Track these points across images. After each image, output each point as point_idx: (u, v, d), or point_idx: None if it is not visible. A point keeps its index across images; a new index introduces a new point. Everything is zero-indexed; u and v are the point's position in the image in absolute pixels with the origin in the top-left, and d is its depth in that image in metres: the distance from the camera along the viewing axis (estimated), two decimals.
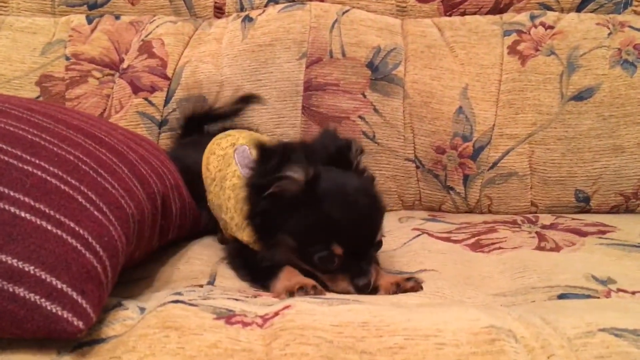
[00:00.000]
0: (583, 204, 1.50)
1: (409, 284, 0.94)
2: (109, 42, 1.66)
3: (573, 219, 1.41)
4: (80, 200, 0.77)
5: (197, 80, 1.59)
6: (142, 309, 0.76)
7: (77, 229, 0.71)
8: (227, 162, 1.19)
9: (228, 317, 0.70)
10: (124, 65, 1.63)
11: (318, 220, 0.93)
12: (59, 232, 0.69)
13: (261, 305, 0.78)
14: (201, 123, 1.50)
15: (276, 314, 0.72)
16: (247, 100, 1.51)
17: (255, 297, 0.89)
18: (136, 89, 1.59)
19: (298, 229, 0.95)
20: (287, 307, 0.73)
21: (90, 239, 0.71)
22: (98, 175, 0.86)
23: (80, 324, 0.62)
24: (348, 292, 0.93)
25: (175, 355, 0.62)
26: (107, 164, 0.92)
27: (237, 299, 0.82)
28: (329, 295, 0.88)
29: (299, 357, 0.62)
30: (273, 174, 0.92)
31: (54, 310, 0.62)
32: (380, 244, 1.00)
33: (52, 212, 0.71)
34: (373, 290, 0.95)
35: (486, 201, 1.52)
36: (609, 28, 1.57)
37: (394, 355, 0.62)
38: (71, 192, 0.77)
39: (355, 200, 0.95)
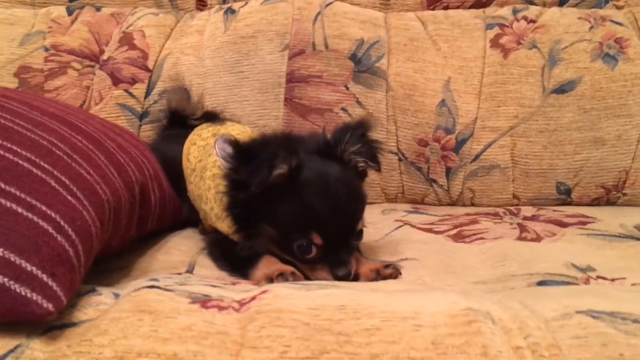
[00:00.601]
0: (564, 196, 1.50)
1: (387, 271, 0.94)
2: (89, 34, 1.64)
3: (554, 210, 1.42)
4: (52, 184, 0.75)
5: (178, 72, 1.57)
6: (117, 295, 0.74)
7: (48, 212, 0.69)
8: (207, 152, 1.18)
9: (204, 301, 0.69)
10: (105, 56, 1.61)
11: (298, 210, 0.93)
12: (30, 215, 0.67)
13: (239, 292, 0.77)
14: (184, 117, 1.49)
15: (253, 298, 0.71)
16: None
17: (233, 284, 0.88)
18: (116, 81, 1.57)
19: (278, 218, 0.94)
20: (264, 292, 0.72)
21: (62, 223, 0.70)
22: (72, 160, 0.85)
23: (50, 306, 0.61)
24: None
25: (148, 338, 0.61)
26: (82, 150, 0.90)
27: (214, 286, 0.81)
28: (308, 281, 0.87)
29: (274, 339, 0.61)
30: (256, 172, 0.90)
31: (22, 293, 0.60)
32: (360, 234, 0.99)
33: (22, 195, 0.70)
34: (354, 278, 0.95)
35: (469, 194, 1.52)
36: (590, 22, 1.58)
37: (371, 337, 0.61)
38: (43, 176, 0.75)
39: (336, 190, 0.94)
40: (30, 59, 1.60)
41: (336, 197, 0.94)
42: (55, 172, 0.78)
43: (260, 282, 0.89)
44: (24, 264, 0.62)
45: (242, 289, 0.80)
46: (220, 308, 0.68)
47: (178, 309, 0.66)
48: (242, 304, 0.70)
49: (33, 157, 0.78)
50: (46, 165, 0.78)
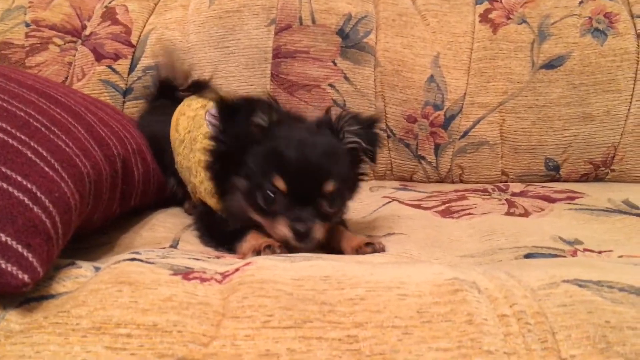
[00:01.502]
0: (553, 172, 1.50)
1: (368, 249, 0.92)
2: (71, 9, 1.61)
3: (543, 186, 1.41)
4: (29, 155, 0.73)
5: (163, 47, 1.54)
6: (97, 268, 0.73)
7: (24, 182, 0.67)
8: (197, 123, 1.16)
9: (186, 273, 0.68)
10: (87, 32, 1.58)
11: (265, 154, 0.91)
12: (4, 185, 0.65)
13: (223, 264, 0.75)
14: (173, 88, 1.46)
15: (236, 270, 0.69)
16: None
17: (218, 258, 0.87)
18: (99, 57, 1.54)
19: (247, 167, 0.93)
20: (248, 264, 0.71)
21: (38, 194, 0.68)
22: (51, 132, 0.82)
23: (26, 277, 0.59)
24: (287, 242, 0.89)
25: (127, 309, 0.59)
26: (61, 123, 0.88)
27: (197, 259, 0.80)
28: (293, 254, 0.86)
29: (256, 309, 0.60)
30: (236, 123, 0.91)
31: None
32: (335, 199, 0.93)
33: None
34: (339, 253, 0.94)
35: (457, 170, 1.51)
36: None
37: (354, 306, 0.60)
38: (20, 146, 0.73)
39: (309, 142, 0.93)
40: (10, 34, 1.57)
41: (306, 146, 0.92)
42: (32, 144, 0.76)
43: (247, 254, 0.87)
44: None
45: (226, 262, 0.79)
46: (203, 280, 0.67)
47: (159, 280, 0.65)
48: (225, 275, 0.69)
49: (9, 128, 0.76)
50: (22, 136, 0.76)
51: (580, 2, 1.55)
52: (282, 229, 0.89)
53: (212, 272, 0.70)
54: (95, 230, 1.01)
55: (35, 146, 0.76)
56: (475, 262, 0.92)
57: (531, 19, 1.54)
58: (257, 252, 0.86)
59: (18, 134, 0.76)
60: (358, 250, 0.93)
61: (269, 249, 0.86)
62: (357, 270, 0.69)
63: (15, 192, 0.66)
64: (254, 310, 0.60)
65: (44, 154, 0.77)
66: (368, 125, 1.00)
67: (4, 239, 0.60)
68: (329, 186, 0.91)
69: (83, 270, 0.71)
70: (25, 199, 0.66)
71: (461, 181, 1.52)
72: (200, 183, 1.07)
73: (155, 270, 0.68)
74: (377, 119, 1.03)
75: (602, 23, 1.52)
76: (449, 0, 1.60)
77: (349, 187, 1.00)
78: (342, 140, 0.97)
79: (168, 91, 1.41)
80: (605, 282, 0.65)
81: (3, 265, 0.58)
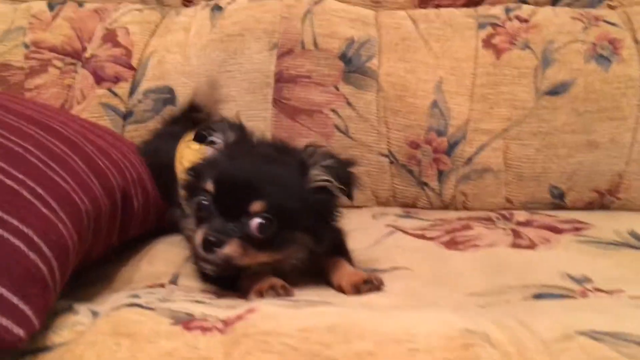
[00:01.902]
0: (558, 200, 1.48)
1: (366, 287, 0.89)
2: (72, 30, 1.59)
3: (548, 215, 1.39)
4: (26, 195, 0.71)
5: (163, 71, 1.53)
6: (95, 313, 0.71)
7: (20, 227, 0.65)
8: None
9: (186, 322, 0.66)
10: (87, 54, 1.56)
11: (208, 166, 0.93)
12: (0, 232, 0.63)
13: (224, 308, 0.73)
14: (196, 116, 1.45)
15: (239, 317, 0.67)
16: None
17: (219, 298, 0.85)
18: (99, 79, 1.52)
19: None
20: (251, 310, 0.69)
21: (35, 238, 0.66)
22: (48, 168, 0.80)
23: (21, 332, 0.57)
24: (198, 252, 0.87)
25: None
26: (59, 156, 0.86)
27: (199, 301, 0.78)
28: (300, 297, 0.84)
29: None
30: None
31: None
32: (264, 224, 0.85)
33: None
34: (340, 290, 0.92)
35: (461, 197, 1.49)
36: (584, 22, 1.55)
37: None
38: (16, 186, 0.71)
39: (252, 160, 0.92)
40: (9, 56, 1.56)
41: (247, 162, 0.91)
42: (28, 182, 0.74)
43: (250, 295, 0.85)
44: None
45: (227, 304, 0.77)
46: (204, 329, 0.64)
47: (159, 332, 0.62)
48: (227, 323, 0.67)
49: (6, 167, 0.74)
50: (20, 175, 0.74)
51: (585, 28, 1.54)
52: (198, 236, 0.86)
53: (213, 319, 0.68)
54: (93, 263, 0.99)
55: (33, 185, 0.74)
56: (483, 301, 0.90)
57: (535, 44, 1.52)
58: (260, 293, 0.84)
59: (15, 172, 0.74)
60: (356, 288, 0.91)
61: (272, 291, 0.83)
62: (364, 318, 0.67)
63: (11, 239, 0.63)
64: None
65: (41, 192, 0.75)
66: (343, 164, 0.94)
67: None
68: (256, 206, 0.85)
69: (80, 316, 0.69)
70: (22, 245, 0.64)
71: (465, 208, 1.50)
72: None
73: (156, 318, 0.66)
74: (353, 161, 0.98)
75: (607, 49, 1.50)
76: (452, 24, 1.58)
77: (302, 226, 0.91)
78: (306, 176, 0.91)
79: (188, 118, 1.39)
80: (621, 335, 0.63)
81: None
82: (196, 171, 0.96)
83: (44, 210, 0.71)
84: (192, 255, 1.05)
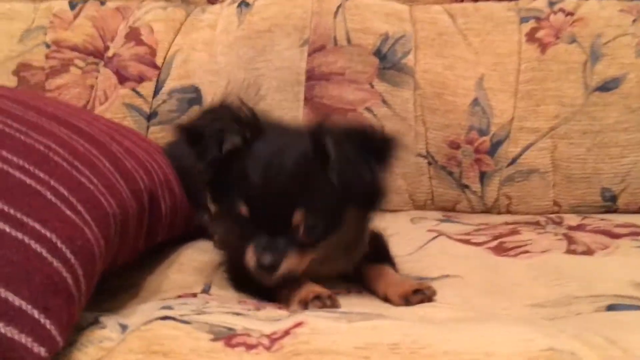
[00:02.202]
0: (610, 203, 1.40)
1: (416, 298, 0.81)
2: (94, 29, 1.56)
3: (601, 219, 1.30)
4: (48, 196, 0.64)
5: (189, 69, 1.47)
6: (124, 327, 0.63)
7: (42, 230, 0.58)
8: None
9: (228, 337, 0.58)
10: (110, 53, 1.52)
11: (235, 178, 0.83)
12: (19, 235, 0.56)
13: (267, 321, 0.66)
14: None
15: (286, 332, 0.59)
16: None
17: (258, 309, 0.77)
18: (122, 79, 1.48)
19: (221, 192, 0.86)
20: (298, 324, 0.61)
21: (58, 243, 0.58)
22: (73, 168, 0.73)
23: (42, 351, 0.49)
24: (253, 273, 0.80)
25: None
26: (84, 156, 0.79)
27: (237, 313, 0.70)
28: (345, 308, 0.76)
29: None
30: (204, 152, 0.83)
31: (9, 335, 0.48)
32: (309, 226, 0.80)
33: (12, 211, 0.58)
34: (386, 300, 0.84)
35: (505, 200, 1.41)
36: (633, 15, 1.47)
37: None
38: (38, 187, 0.64)
39: (276, 164, 0.81)
40: (30, 55, 1.53)
41: (272, 169, 0.81)
42: (51, 182, 0.67)
43: (291, 306, 0.77)
44: (11, 298, 0.50)
45: (270, 317, 0.69)
46: (249, 347, 0.57)
47: (198, 350, 0.55)
48: (273, 339, 0.59)
49: (27, 165, 0.67)
50: (41, 174, 0.67)
51: (634, 21, 1.46)
52: (249, 260, 0.80)
53: (257, 334, 0.60)
54: (118, 270, 0.92)
55: (56, 185, 0.67)
56: (548, 313, 0.81)
57: (582, 38, 1.45)
58: (304, 303, 0.76)
59: (36, 171, 0.67)
60: (406, 298, 0.82)
61: (318, 301, 0.75)
62: (430, 334, 0.58)
63: (32, 243, 0.56)
64: None
65: (65, 193, 0.67)
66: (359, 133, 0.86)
67: (17, 303, 0.51)
68: (298, 216, 0.79)
69: (108, 331, 0.61)
70: (44, 251, 0.57)
71: (509, 212, 1.42)
72: None
73: (193, 333, 0.58)
74: (392, 142, 0.85)
75: None
76: (492, 18, 1.51)
77: (341, 206, 0.84)
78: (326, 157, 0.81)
79: None
80: None
81: (16, 337, 0.49)
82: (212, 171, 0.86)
83: (68, 212, 0.64)
84: (224, 262, 0.98)
